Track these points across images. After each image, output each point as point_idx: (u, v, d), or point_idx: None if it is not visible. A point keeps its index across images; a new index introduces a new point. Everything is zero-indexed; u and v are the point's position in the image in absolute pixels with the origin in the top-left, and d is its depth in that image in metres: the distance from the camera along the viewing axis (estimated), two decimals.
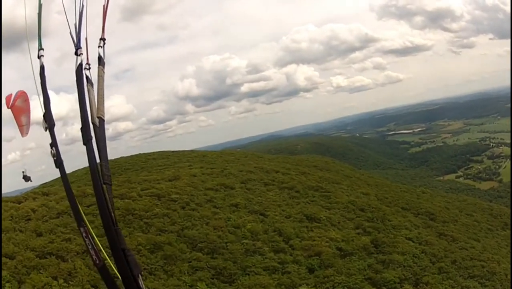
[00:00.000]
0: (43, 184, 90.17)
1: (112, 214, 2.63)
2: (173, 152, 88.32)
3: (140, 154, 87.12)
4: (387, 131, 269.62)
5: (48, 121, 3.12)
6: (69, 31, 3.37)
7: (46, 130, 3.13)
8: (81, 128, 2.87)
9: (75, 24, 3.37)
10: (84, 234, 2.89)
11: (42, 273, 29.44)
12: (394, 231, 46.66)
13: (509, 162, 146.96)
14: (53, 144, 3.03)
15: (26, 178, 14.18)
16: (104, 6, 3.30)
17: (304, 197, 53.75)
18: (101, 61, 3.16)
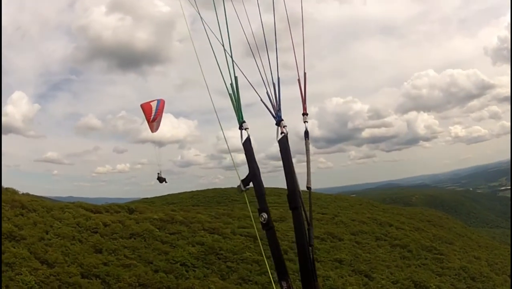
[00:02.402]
0: (144, 198, 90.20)
1: (314, 271, 2.80)
2: (285, 189, 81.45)
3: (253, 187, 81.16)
4: (499, 186, 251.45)
5: (259, 190, 3.07)
6: (260, 98, 3.22)
7: (240, 193, 3.15)
8: (288, 196, 2.97)
9: (269, 94, 3.20)
10: (285, 286, 2.81)
11: None
12: None
13: None
14: (264, 210, 3.00)
15: (161, 179, 13.94)
16: (298, 80, 3.30)
17: (416, 258, 45.17)
18: (307, 135, 3.29)
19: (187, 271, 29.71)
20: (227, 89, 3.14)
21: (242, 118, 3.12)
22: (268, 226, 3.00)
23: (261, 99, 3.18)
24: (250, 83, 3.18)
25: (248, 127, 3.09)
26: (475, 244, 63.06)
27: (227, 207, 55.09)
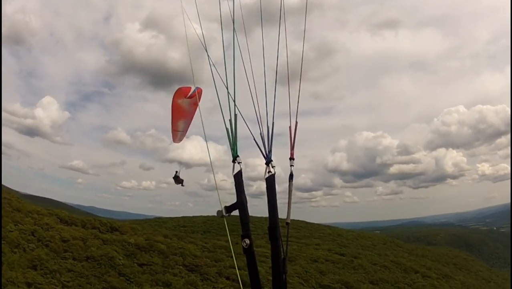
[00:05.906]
0: (158, 217, 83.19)
1: None
2: (307, 223, 75.07)
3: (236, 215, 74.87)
4: None
5: (244, 219, 3.31)
6: (253, 137, 3.46)
7: (219, 217, 3.49)
8: (269, 228, 3.15)
9: (262, 138, 3.44)
10: None
11: None
12: None
13: None
14: (248, 236, 3.22)
15: (178, 180, 12.26)
16: (289, 127, 3.48)
17: None
18: (291, 177, 3.41)
19: None
20: (225, 124, 3.39)
21: (236, 153, 3.32)
22: (249, 251, 3.15)
23: (254, 139, 3.41)
24: (247, 126, 3.45)
25: (241, 161, 3.30)
26: None
27: (235, 238, 46.71)
